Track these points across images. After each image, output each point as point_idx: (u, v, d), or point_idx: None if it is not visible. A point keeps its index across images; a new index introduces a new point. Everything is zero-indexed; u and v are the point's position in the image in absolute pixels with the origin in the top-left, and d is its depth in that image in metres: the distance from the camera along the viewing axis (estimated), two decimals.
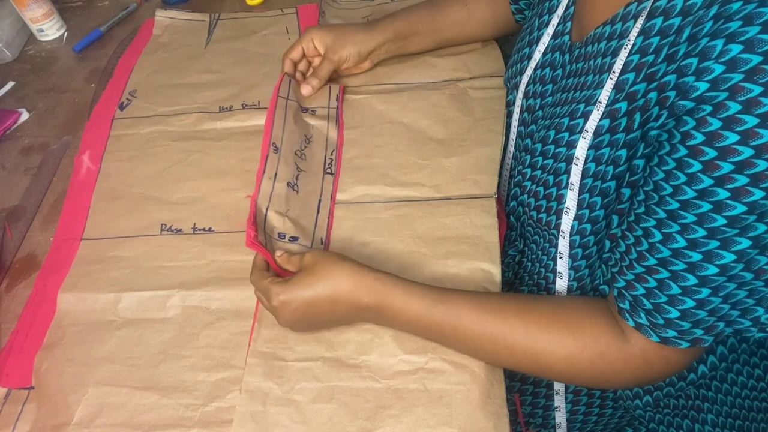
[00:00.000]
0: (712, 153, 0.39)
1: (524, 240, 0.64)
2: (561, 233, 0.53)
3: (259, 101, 0.82)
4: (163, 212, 0.70)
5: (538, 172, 0.56)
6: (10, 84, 0.94)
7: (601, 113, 0.48)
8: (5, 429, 0.56)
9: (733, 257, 0.42)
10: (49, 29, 1.00)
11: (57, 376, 0.58)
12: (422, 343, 0.55)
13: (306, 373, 0.54)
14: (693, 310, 0.45)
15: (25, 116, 0.88)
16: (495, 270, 0.59)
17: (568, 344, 0.50)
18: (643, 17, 0.46)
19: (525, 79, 0.63)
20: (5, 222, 0.73)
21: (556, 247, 0.55)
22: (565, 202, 0.52)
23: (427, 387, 0.52)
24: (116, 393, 0.56)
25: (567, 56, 0.58)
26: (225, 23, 0.97)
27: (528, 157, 0.58)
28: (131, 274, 0.65)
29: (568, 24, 0.58)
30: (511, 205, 0.65)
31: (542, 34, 0.62)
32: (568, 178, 0.51)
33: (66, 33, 1.02)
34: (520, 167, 0.60)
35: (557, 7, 0.60)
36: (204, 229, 0.68)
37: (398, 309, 0.52)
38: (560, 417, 0.66)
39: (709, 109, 0.39)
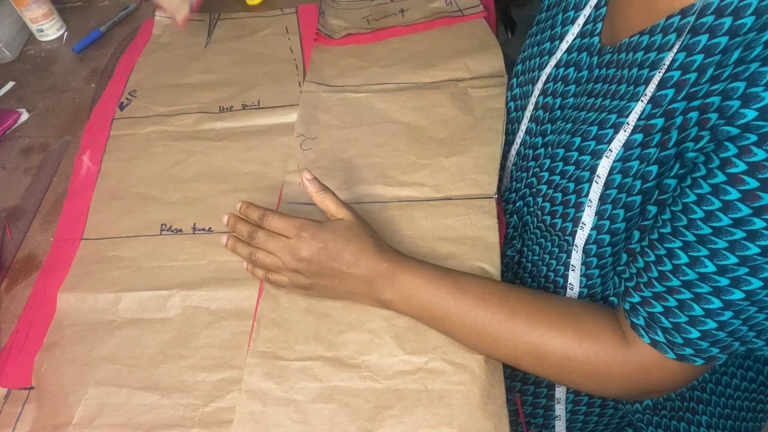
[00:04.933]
0: (753, 183, 0.39)
1: (523, 240, 0.63)
2: (575, 247, 0.53)
3: (259, 101, 0.82)
4: (163, 212, 0.70)
5: (557, 177, 0.55)
6: (10, 84, 0.93)
7: (632, 127, 0.47)
8: (5, 429, 0.56)
9: (760, 284, 0.41)
10: (49, 29, 1.00)
11: (57, 376, 0.58)
12: (422, 343, 0.55)
13: (306, 373, 0.54)
14: (713, 332, 0.44)
15: (25, 116, 0.88)
16: (495, 271, 0.59)
17: (567, 335, 0.49)
18: (687, 32, 0.44)
19: (544, 75, 0.62)
20: (5, 222, 0.73)
21: (567, 253, 0.54)
22: (583, 211, 0.51)
23: (428, 387, 0.52)
24: (116, 393, 0.56)
25: (595, 59, 0.56)
26: (225, 23, 0.97)
27: (547, 161, 0.57)
28: (131, 274, 0.65)
29: (599, 25, 0.56)
30: (517, 204, 0.64)
31: (567, 30, 0.60)
32: (590, 186, 0.50)
33: (66, 33, 1.02)
34: (536, 169, 0.59)
35: (585, 5, 0.58)
36: (204, 229, 0.68)
37: (410, 279, 0.53)
38: (560, 426, 0.66)
39: (754, 138, 0.38)
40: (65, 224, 0.71)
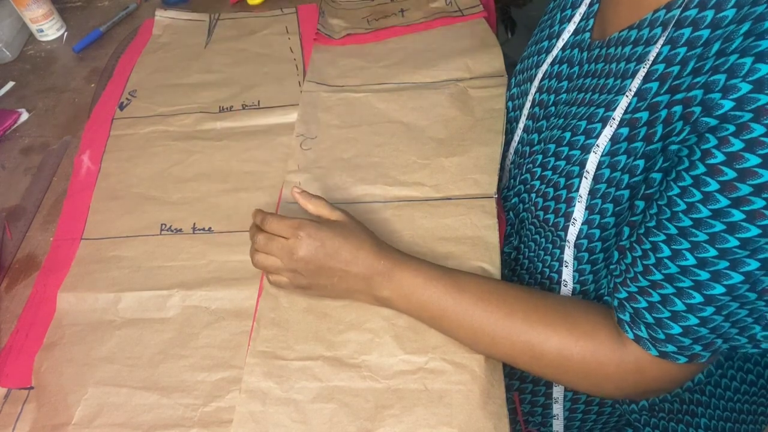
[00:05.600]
0: (731, 174, 0.39)
1: (520, 237, 0.63)
2: (567, 243, 0.53)
3: (259, 101, 0.82)
4: (163, 212, 0.70)
5: (549, 173, 0.55)
6: (10, 84, 0.93)
7: (618, 121, 0.47)
8: (5, 429, 0.56)
9: (741, 278, 0.41)
10: (49, 29, 1.00)
11: (57, 376, 0.58)
12: (422, 343, 0.55)
13: (306, 373, 0.54)
14: (695, 327, 0.44)
15: (25, 116, 0.88)
16: (495, 270, 0.59)
17: (564, 334, 0.49)
18: (672, 25, 0.45)
19: (541, 73, 0.62)
20: (5, 222, 0.73)
21: (560, 249, 0.54)
22: (574, 206, 0.51)
23: (428, 387, 0.52)
24: (116, 393, 0.56)
25: (585, 54, 0.57)
26: (225, 23, 0.97)
27: (540, 156, 0.57)
28: (131, 274, 0.65)
29: (591, 21, 0.57)
30: (513, 201, 0.64)
31: (563, 29, 0.61)
32: (580, 181, 0.51)
33: (66, 33, 1.02)
34: (530, 165, 0.59)
35: (581, 3, 0.59)
36: (204, 229, 0.68)
37: (408, 278, 0.53)
38: (558, 425, 0.66)
39: (732, 128, 0.38)
40: (65, 224, 0.71)
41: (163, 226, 0.69)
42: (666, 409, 0.63)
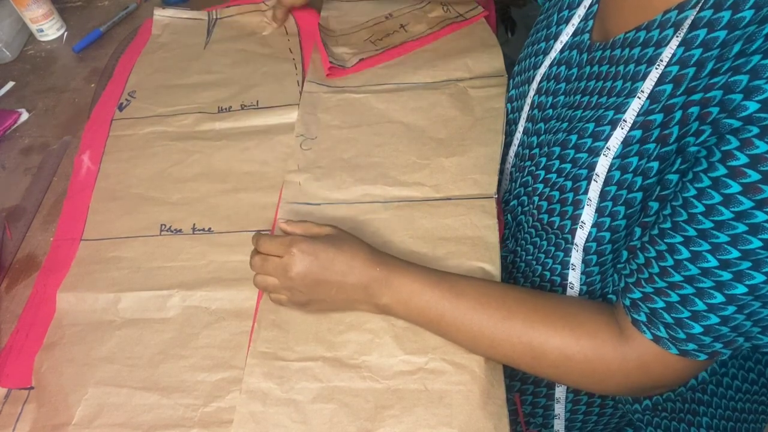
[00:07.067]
0: (755, 176, 0.39)
1: (516, 240, 0.63)
2: (575, 246, 0.52)
3: (258, 101, 0.82)
4: (163, 212, 0.70)
5: (554, 176, 0.55)
6: (10, 84, 0.93)
7: (630, 123, 0.47)
8: (5, 429, 0.56)
9: (763, 278, 0.41)
10: (49, 29, 1.00)
11: (57, 376, 0.58)
12: (422, 344, 0.55)
13: (306, 373, 0.54)
14: (716, 326, 0.44)
15: (25, 116, 0.88)
16: (495, 270, 0.59)
17: (565, 334, 0.49)
18: (686, 27, 0.44)
19: (539, 75, 0.62)
20: (5, 222, 0.73)
21: (565, 251, 0.54)
22: (582, 209, 0.51)
23: (428, 387, 0.52)
24: (116, 393, 0.56)
25: (585, 56, 0.56)
26: (224, 23, 0.97)
27: (543, 159, 0.57)
28: (131, 274, 0.65)
29: (590, 22, 0.57)
30: (512, 204, 0.64)
31: (561, 30, 0.60)
32: (588, 184, 0.50)
33: (66, 33, 1.02)
34: (532, 168, 0.59)
35: (578, 5, 0.59)
36: (204, 230, 0.68)
37: (406, 284, 0.53)
38: (559, 425, 0.66)
39: (756, 130, 0.38)
40: (65, 224, 0.71)
41: (163, 226, 0.69)
42: (668, 408, 0.63)
